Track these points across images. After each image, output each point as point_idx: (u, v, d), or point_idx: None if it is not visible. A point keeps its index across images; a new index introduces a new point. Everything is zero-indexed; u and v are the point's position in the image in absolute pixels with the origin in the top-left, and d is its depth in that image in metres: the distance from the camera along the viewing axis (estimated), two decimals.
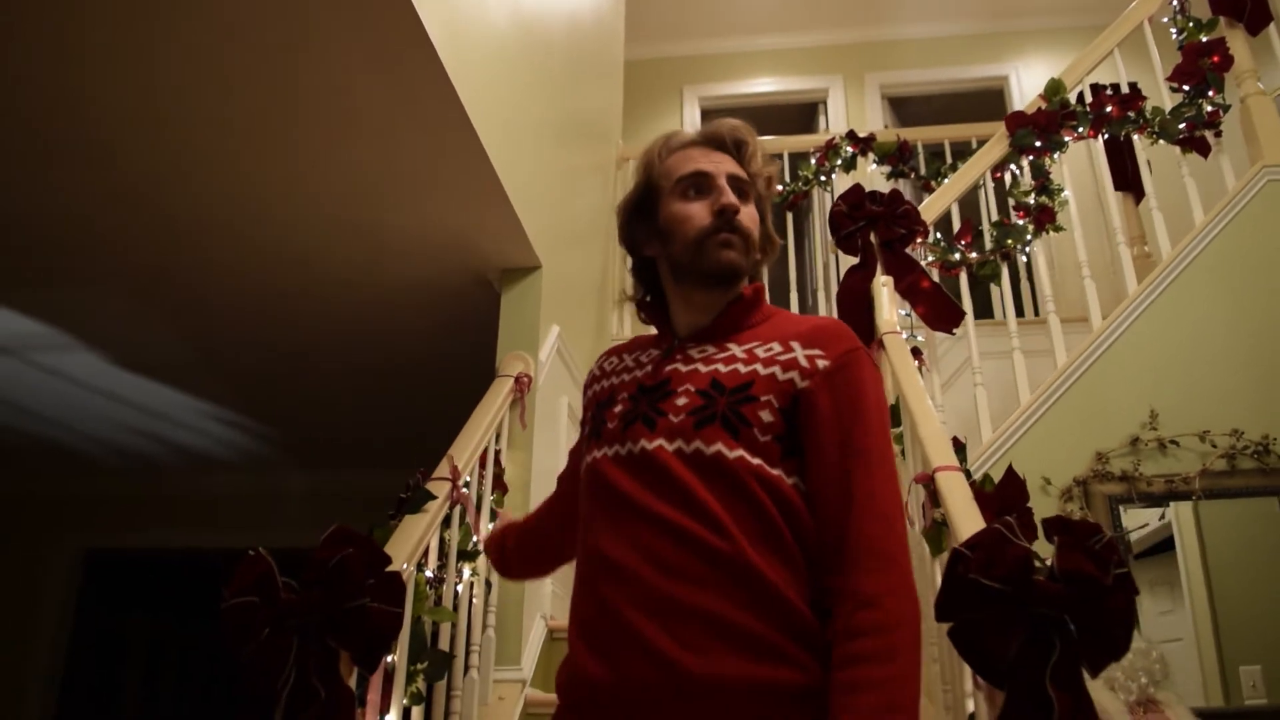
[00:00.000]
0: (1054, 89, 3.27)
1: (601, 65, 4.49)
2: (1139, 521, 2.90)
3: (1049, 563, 1.38)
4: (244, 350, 3.77)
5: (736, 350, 1.26)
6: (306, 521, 3.90)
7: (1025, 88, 5.60)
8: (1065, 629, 1.33)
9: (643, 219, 1.35)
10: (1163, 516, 2.90)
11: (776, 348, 1.24)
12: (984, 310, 3.96)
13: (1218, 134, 3.28)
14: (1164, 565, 3.03)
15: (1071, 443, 2.90)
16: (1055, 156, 3.24)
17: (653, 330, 1.40)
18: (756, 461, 1.17)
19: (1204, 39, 3.34)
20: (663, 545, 1.15)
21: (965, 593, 1.34)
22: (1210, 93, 3.24)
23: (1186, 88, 3.29)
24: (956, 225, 3.26)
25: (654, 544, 1.15)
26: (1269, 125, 3.25)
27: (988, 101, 5.75)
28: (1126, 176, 3.58)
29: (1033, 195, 3.17)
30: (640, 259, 1.38)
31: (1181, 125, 3.23)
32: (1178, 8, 3.48)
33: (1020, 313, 4.02)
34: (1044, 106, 3.26)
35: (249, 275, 3.13)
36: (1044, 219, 3.13)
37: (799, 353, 1.23)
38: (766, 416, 1.19)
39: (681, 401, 1.23)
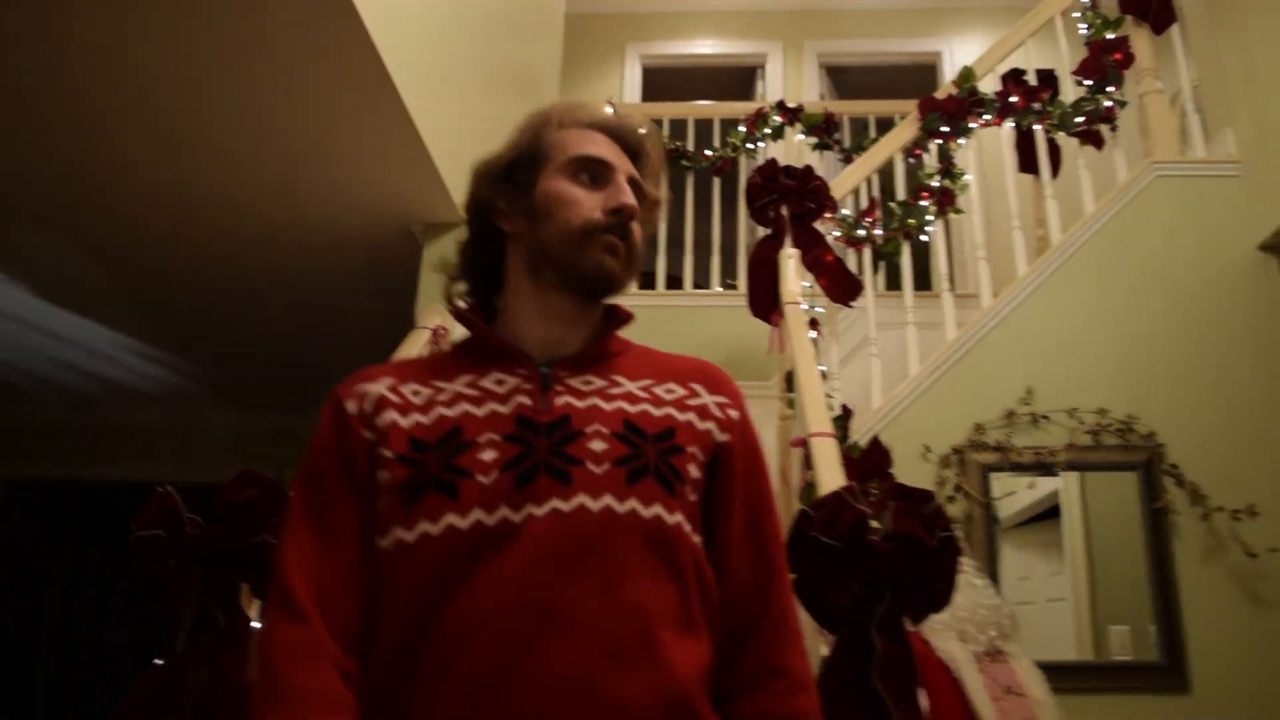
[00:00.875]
0: (965, 76, 3.41)
1: (539, 18, 4.48)
2: (1014, 488, 3.09)
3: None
4: (172, 290, 3.80)
5: (631, 386, 1.04)
6: (229, 457, 3.97)
7: (958, 64, 5.64)
8: (894, 584, 1.50)
9: (511, 186, 1.09)
10: (1031, 485, 3.09)
11: (677, 389, 1.06)
12: (895, 282, 4.11)
13: (1113, 128, 3.45)
14: (1056, 529, 3.23)
15: (954, 413, 3.06)
16: (961, 142, 3.39)
17: (443, 347, 1.15)
18: (688, 529, 0.97)
19: (1110, 36, 3.49)
20: (593, 670, 0.88)
21: (807, 549, 1.50)
22: (1110, 88, 3.40)
23: (1089, 82, 3.45)
24: (865, 202, 3.40)
25: (585, 673, 0.87)
26: (1162, 123, 3.42)
27: (923, 76, 5.81)
28: (1034, 161, 3.74)
29: (936, 178, 3.32)
30: (485, 230, 1.11)
31: (1080, 119, 3.39)
32: (1088, 4, 3.62)
33: (928, 286, 4.18)
34: (954, 93, 3.40)
35: (179, 224, 3.18)
36: (945, 201, 3.29)
37: (707, 398, 1.06)
38: (694, 471, 1.00)
39: (598, 446, 0.96)
